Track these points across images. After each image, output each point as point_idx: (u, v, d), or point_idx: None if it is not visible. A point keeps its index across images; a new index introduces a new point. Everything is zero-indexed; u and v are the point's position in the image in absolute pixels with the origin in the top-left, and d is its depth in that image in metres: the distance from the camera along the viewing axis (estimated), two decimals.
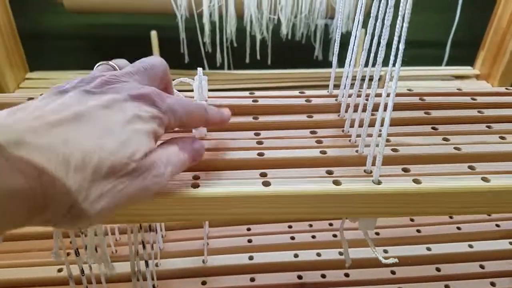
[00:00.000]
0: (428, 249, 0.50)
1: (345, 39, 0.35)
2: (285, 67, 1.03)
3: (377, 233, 0.52)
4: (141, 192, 0.23)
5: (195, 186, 0.28)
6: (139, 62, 0.29)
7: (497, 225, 0.53)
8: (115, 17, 1.07)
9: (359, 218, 0.30)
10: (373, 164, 0.29)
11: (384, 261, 0.35)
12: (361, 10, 0.32)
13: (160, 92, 0.26)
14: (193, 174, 0.29)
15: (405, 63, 0.27)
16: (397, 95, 0.28)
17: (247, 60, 1.03)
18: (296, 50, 1.05)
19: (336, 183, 0.28)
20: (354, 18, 0.98)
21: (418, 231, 0.52)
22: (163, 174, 0.24)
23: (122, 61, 0.30)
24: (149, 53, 1.00)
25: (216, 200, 0.28)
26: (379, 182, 0.28)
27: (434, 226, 0.53)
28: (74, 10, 0.99)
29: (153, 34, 1.00)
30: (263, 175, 0.30)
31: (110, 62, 0.29)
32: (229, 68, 1.05)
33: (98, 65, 0.29)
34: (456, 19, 1.01)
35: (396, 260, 0.35)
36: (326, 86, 0.40)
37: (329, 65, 1.06)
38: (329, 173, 0.30)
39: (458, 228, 0.53)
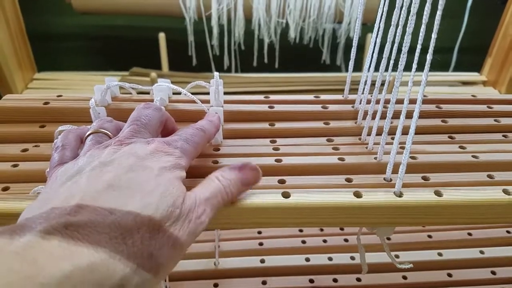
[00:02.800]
0: (440, 254, 0.50)
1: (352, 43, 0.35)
2: (292, 70, 1.04)
3: (388, 238, 0.52)
4: (191, 236, 0.23)
5: None
6: (136, 118, 0.28)
7: (508, 232, 0.53)
8: (123, 19, 1.08)
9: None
10: (393, 172, 0.30)
11: (399, 266, 0.35)
12: (381, 16, 0.32)
13: (167, 141, 0.26)
14: None
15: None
16: (412, 101, 0.28)
17: (255, 63, 1.04)
18: (303, 54, 1.06)
19: (358, 195, 0.28)
20: (364, 22, 0.97)
21: (429, 236, 0.52)
22: (204, 211, 0.24)
23: (107, 123, 0.29)
24: (157, 55, 1.01)
25: (234, 211, 0.27)
26: (400, 194, 0.28)
27: (445, 232, 0.53)
28: (83, 10, 1.00)
29: (161, 36, 1.01)
30: (282, 181, 0.29)
31: (101, 130, 0.28)
32: (236, 71, 1.05)
33: (88, 136, 0.28)
34: (463, 25, 1.01)
35: (411, 265, 0.35)
36: (335, 90, 0.40)
37: (336, 69, 1.06)
38: (349, 180, 0.30)
39: (469, 234, 0.53)
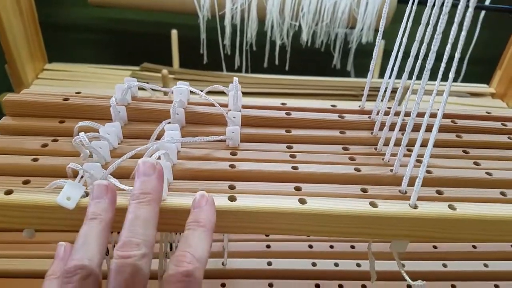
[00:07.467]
0: (444, 265, 0.50)
1: (364, 49, 0.36)
2: (302, 73, 1.04)
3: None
4: None
5: (232, 199, 0.28)
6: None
7: None
8: (137, 13, 1.08)
9: (392, 240, 0.31)
10: (409, 185, 0.30)
11: (412, 283, 0.35)
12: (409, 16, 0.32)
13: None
14: (229, 184, 0.30)
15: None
16: (429, 116, 0.28)
17: (265, 65, 1.04)
18: (314, 58, 1.06)
19: (373, 205, 0.29)
20: (376, 29, 0.98)
21: (435, 247, 0.53)
22: None
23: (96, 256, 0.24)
24: (168, 51, 1.01)
25: (252, 214, 0.28)
26: (415, 206, 0.29)
27: (450, 244, 0.53)
28: (97, 3, 1.00)
29: (174, 33, 1.01)
30: (297, 188, 0.30)
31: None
32: (246, 71, 1.06)
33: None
34: (475, 36, 1.01)
35: (424, 282, 0.35)
36: (345, 96, 0.41)
37: (346, 74, 1.06)
38: (364, 191, 0.30)
39: (474, 247, 0.53)
